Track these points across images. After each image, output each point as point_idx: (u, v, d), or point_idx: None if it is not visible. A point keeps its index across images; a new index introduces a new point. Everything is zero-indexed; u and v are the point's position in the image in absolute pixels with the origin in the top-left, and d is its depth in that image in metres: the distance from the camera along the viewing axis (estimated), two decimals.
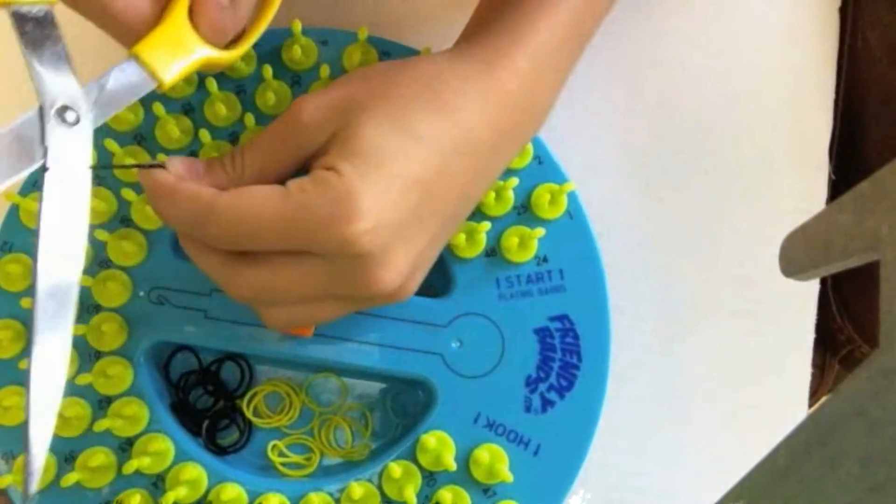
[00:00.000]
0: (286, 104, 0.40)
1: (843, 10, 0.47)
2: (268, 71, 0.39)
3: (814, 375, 0.58)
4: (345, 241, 0.29)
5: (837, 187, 0.47)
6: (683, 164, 0.45)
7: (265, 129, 0.33)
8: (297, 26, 0.39)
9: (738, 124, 0.46)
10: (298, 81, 0.41)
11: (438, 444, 0.39)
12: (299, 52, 0.40)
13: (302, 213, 0.29)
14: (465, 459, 0.39)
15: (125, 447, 0.38)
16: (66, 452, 0.38)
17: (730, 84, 0.46)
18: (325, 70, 0.39)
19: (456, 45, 0.36)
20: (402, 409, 0.42)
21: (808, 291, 0.45)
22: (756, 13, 0.47)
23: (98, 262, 0.39)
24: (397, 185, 0.30)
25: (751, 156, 0.45)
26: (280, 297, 0.32)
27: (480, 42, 0.34)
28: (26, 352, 0.38)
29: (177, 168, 0.32)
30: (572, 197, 0.41)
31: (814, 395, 0.59)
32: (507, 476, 0.38)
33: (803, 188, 0.46)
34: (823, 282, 0.53)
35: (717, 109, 0.46)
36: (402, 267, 0.31)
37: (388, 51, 0.41)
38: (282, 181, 0.31)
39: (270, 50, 0.40)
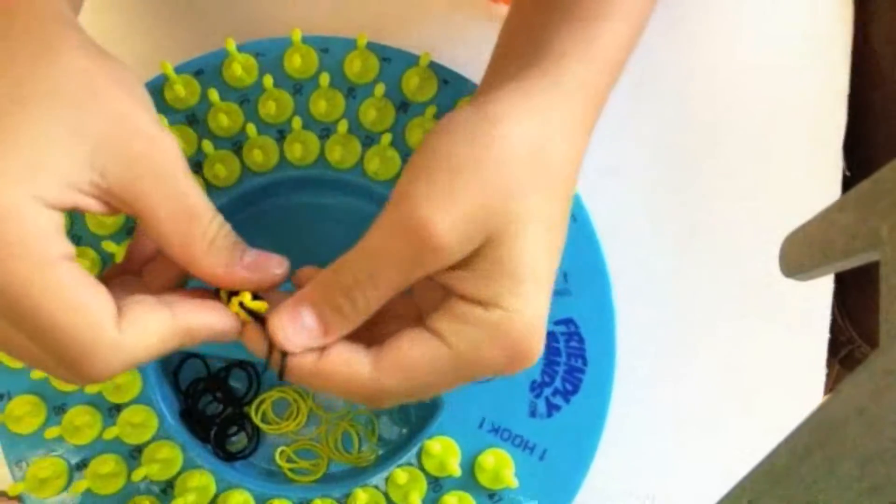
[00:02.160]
0: (287, 113, 0.40)
1: None
2: (269, 80, 0.39)
3: None
4: (523, 368, 0.29)
5: (850, 186, 0.46)
6: (691, 165, 0.44)
7: (376, 253, 0.28)
8: (297, 35, 0.39)
9: (749, 125, 0.45)
10: (300, 90, 0.41)
11: (443, 450, 0.39)
12: (299, 61, 0.40)
13: (480, 368, 0.29)
14: (470, 465, 0.39)
15: (135, 454, 0.39)
16: (76, 460, 0.38)
17: (739, 85, 0.45)
18: (325, 78, 0.39)
19: (514, 73, 0.32)
20: (407, 414, 0.42)
21: (821, 293, 0.44)
22: (766, 11, 0.46)
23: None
24: (551, 283, 0.30)
25: (762, 156, 0.45)
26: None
27: (555, 67, 0.31)
28: None
29: (288, 332, 0.29)
30: (576, 200, 0.41)
31: None
32: (513, 481, 0.38)
33: (816, 188, 0.45)
34: None
35: (726, 110, 0.45)
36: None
37: (389, 56, 0.41)
38: None
39: (271, 59, 0.41)
